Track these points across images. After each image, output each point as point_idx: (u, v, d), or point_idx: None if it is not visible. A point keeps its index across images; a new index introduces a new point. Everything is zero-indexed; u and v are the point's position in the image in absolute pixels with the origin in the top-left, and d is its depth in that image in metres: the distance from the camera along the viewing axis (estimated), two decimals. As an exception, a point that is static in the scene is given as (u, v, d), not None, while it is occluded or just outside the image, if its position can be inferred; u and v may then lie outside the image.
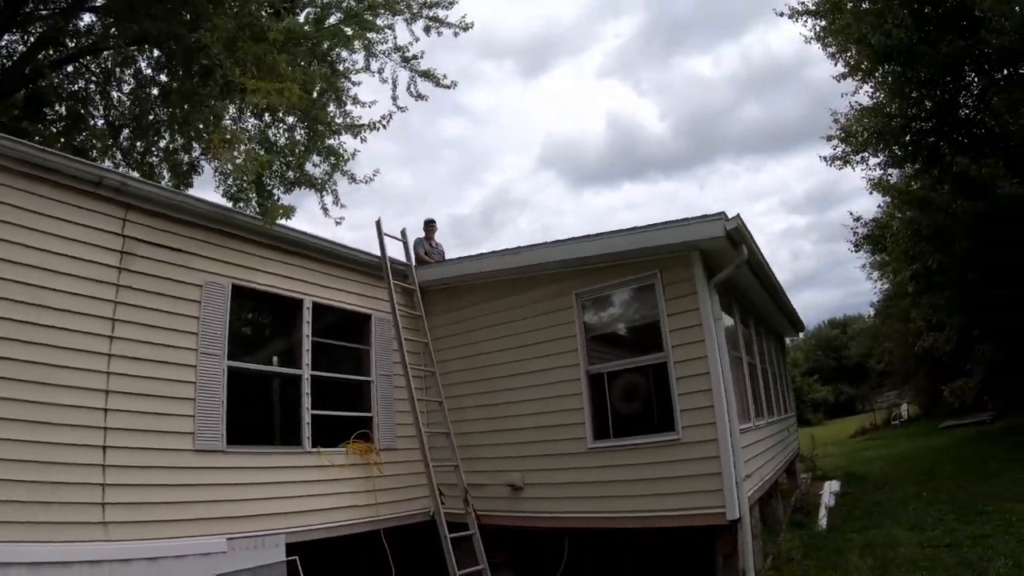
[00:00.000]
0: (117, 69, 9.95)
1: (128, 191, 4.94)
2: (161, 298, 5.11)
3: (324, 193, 9.50)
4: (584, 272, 6.49)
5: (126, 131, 9.83)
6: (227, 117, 6.83)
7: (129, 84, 10.12)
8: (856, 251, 20.68)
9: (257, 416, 6.07)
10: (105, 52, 9.67)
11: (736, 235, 5.60)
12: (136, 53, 9.24)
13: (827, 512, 8.61)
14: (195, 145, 9.31)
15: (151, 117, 9.20)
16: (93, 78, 10.18)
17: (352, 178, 9.81)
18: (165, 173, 9.89)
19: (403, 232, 7.71)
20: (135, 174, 8.69)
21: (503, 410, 6.76)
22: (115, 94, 10.06)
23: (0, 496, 3.93)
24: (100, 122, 9.98)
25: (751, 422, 6.93)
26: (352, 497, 6.29)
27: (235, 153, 5.98)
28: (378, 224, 7.17)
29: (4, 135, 4.29)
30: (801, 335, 22.57)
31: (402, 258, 7.56)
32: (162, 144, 9.47)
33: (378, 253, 7.09)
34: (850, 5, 12.26)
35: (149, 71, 9.12)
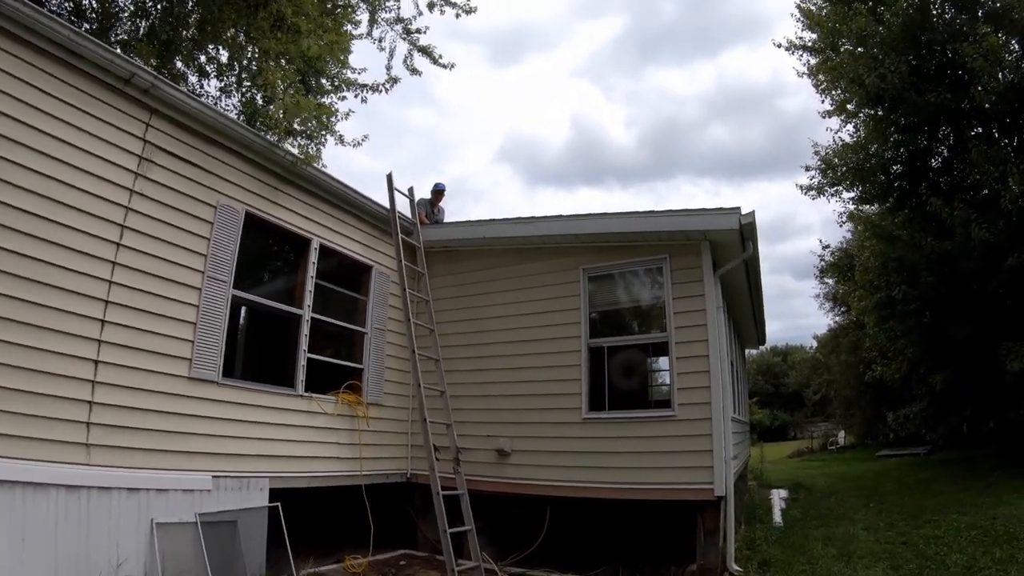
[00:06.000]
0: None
1: (156, 94, 4.71)
2: (174, 212, 4.91)
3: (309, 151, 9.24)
4: (593, 249, 6.61)
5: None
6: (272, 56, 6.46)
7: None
8: (821, 277, 21.78)
9: (253, 352, 5.88)
10: None
11: (747, 231, 5.83)
12: None
13: (781, 513, 9.01)
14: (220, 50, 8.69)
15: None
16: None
17: (341, 139, 9.61)
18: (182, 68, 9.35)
19: (411, 190, 7.63)
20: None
21: (497, 375, 6.80)
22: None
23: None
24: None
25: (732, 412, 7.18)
26: (338, 448, 6.20)
27: (291, 93, 5.68)
28: (389, 178, 7.07)
29: (42, 11, 4.02)
30: (755, 351, 23.40)
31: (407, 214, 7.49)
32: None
33: (386, 205, 7.01)
34: (845, 46, 12.91)
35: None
